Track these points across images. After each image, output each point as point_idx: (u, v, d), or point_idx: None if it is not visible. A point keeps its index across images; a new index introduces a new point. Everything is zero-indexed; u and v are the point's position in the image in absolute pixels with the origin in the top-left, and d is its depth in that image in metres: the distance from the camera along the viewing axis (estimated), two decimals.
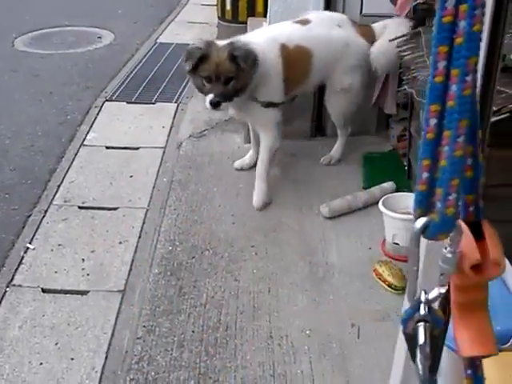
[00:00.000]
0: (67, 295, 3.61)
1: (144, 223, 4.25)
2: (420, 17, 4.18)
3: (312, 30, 4.20)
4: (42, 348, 3.24)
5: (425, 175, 1.01)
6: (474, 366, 1.17)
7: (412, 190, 3.98)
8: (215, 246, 3.77)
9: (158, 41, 7.96)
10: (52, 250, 3.97)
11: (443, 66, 0.95)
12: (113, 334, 3.33)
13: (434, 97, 0.97)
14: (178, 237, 3.84)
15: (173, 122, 5.68)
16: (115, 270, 3.81)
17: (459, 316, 1.13)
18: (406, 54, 3.85)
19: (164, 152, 5.16)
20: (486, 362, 2.39)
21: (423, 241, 1.04)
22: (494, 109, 2.64)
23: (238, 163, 4.58)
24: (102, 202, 4.48)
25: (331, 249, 3.74)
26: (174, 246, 3.76)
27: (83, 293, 3.63)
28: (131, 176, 4.80)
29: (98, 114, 5.87)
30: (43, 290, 3.65)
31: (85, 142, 5.33)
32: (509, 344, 2.44)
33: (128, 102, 6.11)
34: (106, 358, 3.19)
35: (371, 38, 4.35)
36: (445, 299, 1.12)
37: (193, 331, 3.14)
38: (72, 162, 5.00)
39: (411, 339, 1.13)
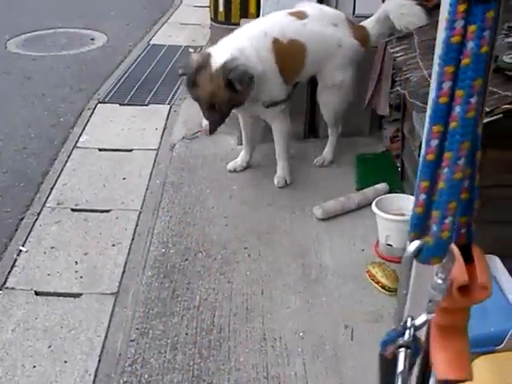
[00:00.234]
0: (60, 298, 3.60)
1: (137, 225, 4.24)
2: None
3: (307, 26, 4.21)
4: (35, 351, 3.23)
5: (422, 197, 0.99)
6: None
7: (405, 191, 3.99)
8: (208, 248, 3.77)
9: (151, 42, 7.95)
10: (45, 253, 3.96)
11: (448, 87, 0.94)
12: (106, 337, 3.33)
13: (437, 117, 0.96)
14: (171, 239, 3.84)
15: (166, 124, 5.68)
16: (108, 272, 3.80)
17: (439, 338, 1.11)
18: (398, 55, 3.85)
19: (157, 154, 5.15)
20: (479, 363, 2.40)
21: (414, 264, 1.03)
22: (487, 110, 2.64)
23: (230, 165, 4.58)
24: (95, 204, 4.47)
25: (324, 250, 3.73)
26: (167, 248, 3.76)
27: (76, 295, 3.62)
28: (124, 178, 4.80)
29: (90, 116, 5.86)
30: (36, 293, 3.64)
31: (78, 144, 5.32)
32: (502, 345, 2.44)
33: (121, 104, 6.10)
34: (100, 360, 3.18)
35: (365, 39, 4.39)
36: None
37: (186, 333, 3.13)
38: (65, 165, 4.99)
39: (387, 363, 1.12)
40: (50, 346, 3.26)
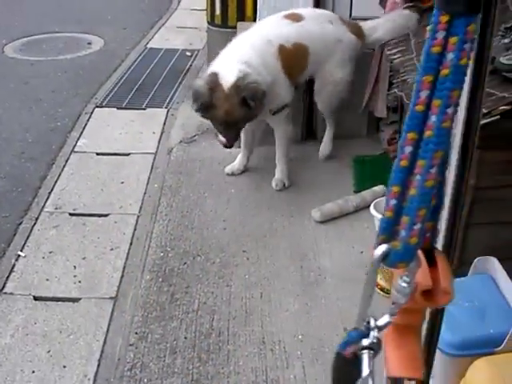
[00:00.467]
0: (59, 303, 3.60)
1: (135, 229, 4.23)
2: None
3: (305, 27, 4.26)
4: (34, 356, 3.23)
5: (392, 202, 1.00)
6: None
7: None
8: (207, 251, 3.77)
9: (148, 46, 7.94)
10: (43, 258, 3.96)
11: (425, 96, 0.94)
12: (105, 341, 3.32)
13: (412, 125, 0.96)
14: (169, 243, 3.84)
15: (163, 128, 5.67)
16: (107, 276, 3.80)
17: (393, 336, 1.12)
18: (395, 57, 3.86)
19: (155, 158, 5.15)
20: (478, 365, 2.40)
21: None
22: (484, 111, 2.64)
23: (228, 168, 4.58)
24: (93, 208, 4.47)
25: (323, 253, 3.73)
26: (166, 252, 3.76)
27: (75, 300, 3.61)
28: (122, 182, 4.79)
29: (88, 120, 5.85)
30: (35, 298, 3.63)
31: (75, 149, 5.32)
32: (501, 347, 2.44)
33: (118, 108, 6.10)
34: (99, 365, 3.18)
35: (360, 34, 4.45)
36: None
37: (185, 337, 3.13)
38: (63, 169, 4.99)
39: (345, 363, 1.11)
40: (49, 351, 3.25)
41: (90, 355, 3.23)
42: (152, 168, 4.99)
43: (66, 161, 5.12)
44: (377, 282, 3.35)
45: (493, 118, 2.68)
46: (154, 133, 5.58)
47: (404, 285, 1.03)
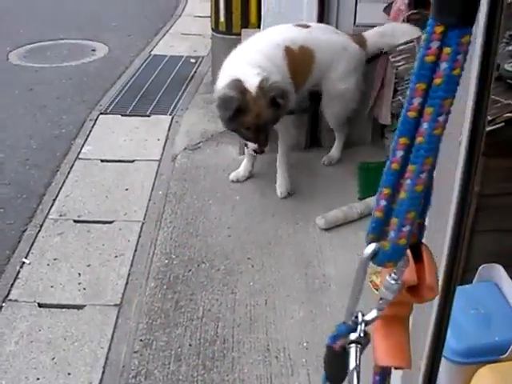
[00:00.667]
0: (63, 310, 3.60)
1: (140, 236, 4.24)
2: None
3: (313, 33, 4.33)
4: (39, 363, 3.23)
5: (382, 203, 1.02)
6: (383, 374, 1.19)
7: None
8: (211, 258, 3.76)
9: (152, 53, 7.94)
10: (48, 265, 3.96)
11: (418, 103, 0.96)
12: (109, 349, 3.32)
13: (404, 130, 0.98)
14: (174, 250, 3.84)
15: (168, 135, 5.67)
16: (111, 283, 3.80)
17: (381, 326, 1.14)
18: (400, 64, 3.85)
19: (159, 165, 5.15)
20: (483, 372, 2.39)
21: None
22: (489, 118, 2.64)
23: (233, 175, 4.58)
24: (98, 215, 4.47)
25: (327, 260, 3.73)
26: (170, 259, 3.75)
27: (79, 307, 3.62)
28: (127, 189, 4.79)
29: (92, 127, 5.86)
30: (39, 305, 3.64)
31: (80, 156, 5.32)
32: (507, 354, 2.43)
33: (123, 115, 6.10)
34: (103, 372, 3.18)
35: (363, 44, 4.50)
36: None
37: (190, 345, 3.13)
38: (67, 176, 4.99)
39: (335, 356, 1.14)
40: (53, 358, 3.26)
41: (95, 362, 3.23)
42: (156, 175, 5.00)
43: (71, 168, 5.12)
44: (374, 283, 3.35)
45: (497, 126, 2.68)
46: (158, 140, 5.59)
47: (392, 282, 1.06)
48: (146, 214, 4.48)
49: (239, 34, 5.39)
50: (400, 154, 0.99)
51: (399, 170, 0.99)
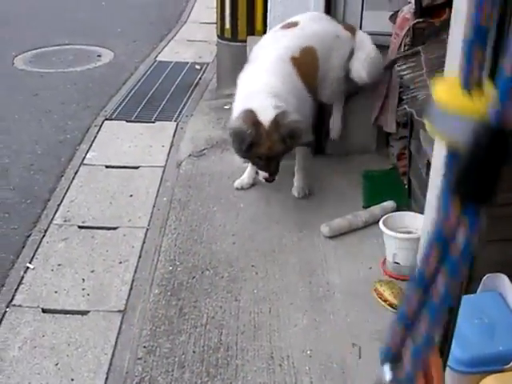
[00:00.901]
0: (67, 315, 3.61)
1: (144, 243, 4.24)
2: (419, 36, 4.20)
3: (306, 29, 4.33)
4: (42, 368, 3.23)
5: (397, 339, 1.00)
6: None
7: (412, 209, 3.98)
8: (215, 265, 3.76)
9: (158, 59, 7.95)
10: (52, 270, 3.97)
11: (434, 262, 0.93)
12: (113, 355, 3.33)
13: (416, 289, 0.95)
14: (178, 256, 3.84)
15: (172, 141, 5.68)
16: (115, 289, 3.80)
17: None
18: (405, 73, 3.86)
19: (164, 171, 5.16)
20: (487, 382, 2.39)
21: None
22: None
23: (237, 182, 4.58)
24: (102, 221, 4.48)
25: (331, 268, 3.73)
26: (175, 265, 3.76)
27: (83, 313, 3.62)
28: (131, 195, 4.80)
29: (97, 132, 5.87)
30: (43, 310, 3.64)
31: (84, 161, 5.33)
32: (511, 364, 2.43)
33: (128, 121, 6.11)
34: (107, 378, 3.18)
35: (353, 31, 4.58)
36: None
37: (194, 352, 3.13)
38: (72, 181, 5.00)
39: None
40: (57, 364, 3.26)
41: (98, 368, 3.24)
42: (161, 181, 5.00)
43: (75, 173, 5.13)
44: (385, 298, 3.36)
45: None
46: (163, 146, 5.59)
47: None
48: (150, 221, 4.48)
49: (245, 41, 5.40)
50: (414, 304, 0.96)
51: (412, 318, 0.96)
